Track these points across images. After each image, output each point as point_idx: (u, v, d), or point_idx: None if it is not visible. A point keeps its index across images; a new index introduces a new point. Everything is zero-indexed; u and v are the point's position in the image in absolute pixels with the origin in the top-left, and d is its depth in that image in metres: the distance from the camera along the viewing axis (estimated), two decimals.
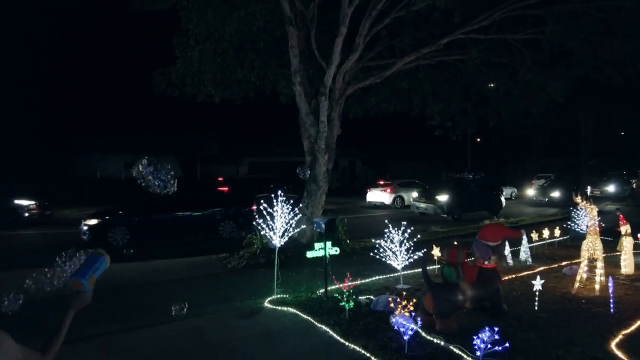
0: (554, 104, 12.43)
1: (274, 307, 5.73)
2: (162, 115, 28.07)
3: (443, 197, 16.50)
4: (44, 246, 10.14)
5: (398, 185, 21.10)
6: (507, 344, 3.62)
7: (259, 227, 6.27)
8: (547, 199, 21.67)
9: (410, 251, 6.61)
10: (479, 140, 38.13)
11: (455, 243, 6.22)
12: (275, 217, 6.07)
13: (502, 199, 18.42)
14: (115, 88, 30.32)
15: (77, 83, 29.21)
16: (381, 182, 21.84)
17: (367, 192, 21.73)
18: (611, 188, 24.98)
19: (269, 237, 6.20)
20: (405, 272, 6.95)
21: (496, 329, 3.63)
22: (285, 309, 5.63)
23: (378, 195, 21.03)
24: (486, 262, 5.15)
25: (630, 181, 27.27)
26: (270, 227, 6.13)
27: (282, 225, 6.12)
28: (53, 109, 27.59)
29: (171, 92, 11.43)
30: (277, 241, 6.18)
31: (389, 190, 20.76)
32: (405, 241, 6.67)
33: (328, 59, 8.83)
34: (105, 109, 29.33)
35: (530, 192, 24.26)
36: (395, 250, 6.64)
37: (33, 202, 14.01)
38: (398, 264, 6.61)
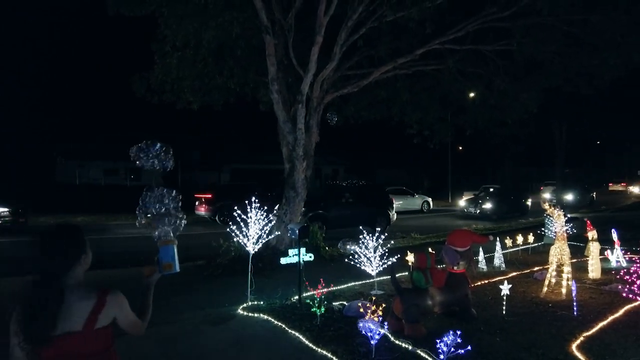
0: (528, 114, 12.79)
1: (247, 314, 5.72)
2: (142, 122, 27.81)
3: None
4: (13, 255, 9.90)
5: (391, 192, 21.55)
6: (469, 347, 3.71)
7: (233, 234, 6.27)
8: (478, 212, 19.94)
9: (385, 257, 6.71)
10: (460, 148, 38.83)
11: (431, 250, 6.33)
12: (250, 224, 6.09)
13: (391, 212, 15.75)
14: (94, 94, 29.95)
15: (56, 88, 28.74)
16: None
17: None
18: (570, 197, 25.34)
19: (242, 243, 6.20)
20: (380, 278, 7.03)
21: (459, 332, 3.71)
22: (257, 315, 5.62)
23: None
24: (455, 268, 5.26)
25: (591, 191, 27.46)
26: (244, 233, 6.14)
27: (256, 232, 6.14)
28: (31, 114, 27.09)
29: (150, 97, 11.38)
30: (251, 247, 6.19)
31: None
32: (379, 247, 6.78)
33: (306, 67, 8.93)
34: (84, 114, 28.90)
35: (461, 203, 22.09)
36: (370, 257, 6.73)
37: (6, 210, 13.70)
38: (372, 270, 6.69)
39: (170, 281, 7.65)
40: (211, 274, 8.23)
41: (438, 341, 3.71)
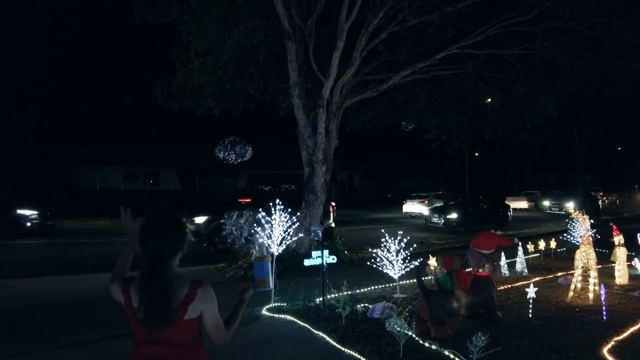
0: (548, 118, 12.67)
1: (271, 314, 5.78)
2: (160, 127, 28.26)
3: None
4: (46, 256, 10.18)
5: (433, 197, 23.35)
6: (499, 348, 3.70)
7: (257, 236, 6.35)
8: (442, 222, 17.84)
9: (407, 261, 6.71)
10: (476, 154, 38.49)
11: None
12: (274, 226, 6.17)
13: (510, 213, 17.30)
14: (114, 100, 30.56)
15: (77, 94, 29.42)
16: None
17: (404, 203, 24.12)
18: (571, 204, 23.69)
19: (266, 245, 6.28)
20: (402, 282, 7.03)
21: (488, 333, 3.71)
22: (282, 316, 5.68)
23: (416, 207, 23.23)
24: (480, 270, 5.24)
25: (597, 198, 25.23)
26: (268, 235, 6.22)
27: (280, 234, 6.21)
28: (51, 120, 27.73)
29: (171, 104, 11.62)
30: (275, 249, 6.26)
31: (426, 202, 22.76)
32: (401, 251, 6.78)
33: (326, 72, 9.04)
34: (104, 120, 29.50)
35: (425, 211, 20.22)
36: (392, 260, 6.73)
37: (35, 212, 14.07)
38: (395, 274, 6.69)
39: None
40: (233, 276, 8.33)
41: (468, 342, 3.71)
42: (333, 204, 17.69)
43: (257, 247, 7.36)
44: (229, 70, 10.38)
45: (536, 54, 10.06)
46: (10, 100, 25.73)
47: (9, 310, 6.07)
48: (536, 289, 5.37)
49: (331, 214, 14.79)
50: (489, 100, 13.64)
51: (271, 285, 2.20)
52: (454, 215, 17.45)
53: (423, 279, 5.10)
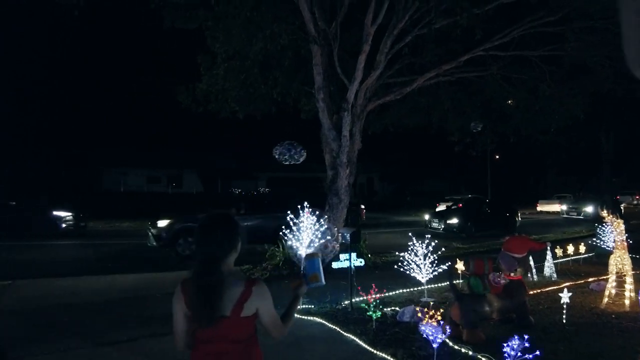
0: (574, 120, 12.42)
1: (300, 316, 5.81)
2: (182, 130, 28.78)
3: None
4: (80, 256, 10.46)
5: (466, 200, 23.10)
6: (537, 352, 3.64)
7: (285, 238, 6.41)
8: (442, 227, 16.54)
9: (434, 264, 6.67)
10: (497, 157, 37.89)
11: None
12: (302, 229, 6.21)
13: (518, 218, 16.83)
14: (138, 104, 31.28)
15: (103, 99, 30.24)
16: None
17: (437, 206, 23.70)
18: (589, 209, 23.04)
19: (295, 247, 6.33)
20: (430, 286, 6.98)
21: (526, 337, 3.66)
22: (311, 318, 5.71)
23: None
24: (512, 274, 5.18)
25: (619, 202, 24.28)
26: (297, 238, 6.27)
27: (308, 237, 6.25)
28: (81, 123, 28.55)
29: (195, 108, 11.81)
30: (303, 252, 6.30)
31: (460, 205, 22.32)
32: (429, 254, 6.74)
33: (349, 75, 9.07)
34: (127, 124, 30.21)
35: (425, 215, 18.83)
36: (420, 264, 6.70)
37: (70, 214, 14.50)
38: (422, 277, 6.66)
39: None
40: (258, 277, 8.41)
41: (505, 345, 3.66)
42: (362, 206, 17.65)
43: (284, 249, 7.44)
44: (252, 74, 10.51)
45: (564, 54, 9.88)
46: (43, 105, 26.64)
47: (48, 308, 6.28)
48: (570, 294, 5.27)
49: (359, 217, 14.77)
50: (514, 102, 13.47)
51: (323, 280, 2.26)
52: (454, 220, 16.25)
53: (446, 283, 5.07)
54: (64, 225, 14.16)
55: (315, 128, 10.25)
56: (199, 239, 1.91)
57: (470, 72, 11.11)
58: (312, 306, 6.22)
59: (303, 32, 9.25)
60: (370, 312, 5.17)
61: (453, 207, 17.77)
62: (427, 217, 18.05)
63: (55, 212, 14.33)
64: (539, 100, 11.78)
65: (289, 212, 11.81)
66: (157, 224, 11.01)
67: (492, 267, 5.17)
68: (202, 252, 1.88)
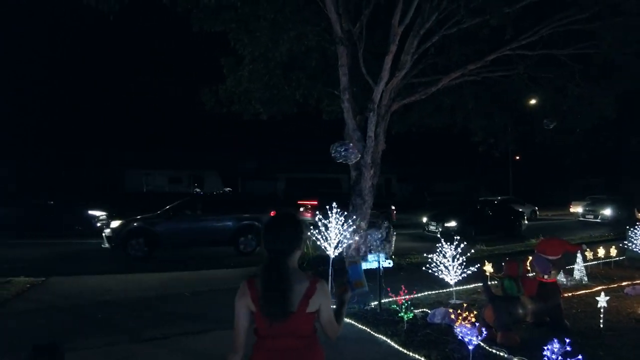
0: (603, 120, 12.13)
1: None
2: (203, 131, 29.16)
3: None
4: (113, 255, 10.65)
5: (501, 201, 22.93)
6: (579, 357, 3.57)
7: (314, 238, 6.43)
8: (439, 231, 15.20)
9: (463, 266, 6.60)
10: (517, 157, 37.21)
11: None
12: (330, 229, 6.23)
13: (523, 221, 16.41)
14: (159, 106, 31.82)
15: (124, 101, 30.87)
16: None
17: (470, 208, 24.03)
18: (607, 212, 21.79)
19: (323, 247, 6.34)
20: (458, 288, 6.91)
21: (568, 340, 3.59)
22: None
23: None
24: (546, 277, 5.09)
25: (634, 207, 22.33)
26: (325, 238, 6.29)
27: (335, 237, 6.26)
28: (102, 126, 29.22)
29: (219, 109, 11.95)
30: (331, 252, 6.31)
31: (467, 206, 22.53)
32: (457, 256, 6.67)
33: (374, 76, 9.05)
34: (150, 126, 30.76)
35: (424, 219, 17.11)
36: (448, 265, 6.64)
37: (104, 213, 14.82)
38: (451, 279, 6.60)
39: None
40: (319, 276, 8.45)
41: (545, 349, 3.60)
42: (393, 207, 17.45)
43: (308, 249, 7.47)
44: (276, 75, 10.58)
45: (595, 53, 9.65)
46: (71, 107, 27.37)
47: (82, 305, 6.45)
48: (607, 298, 5.14)
49: (391, 217, 14.41)
50: (540, 101, 13.23)
51: (366, 287, 2.28)
52: (452, 223, 15.12)
53: (473, 285, 5.01)
54: (98, 224, 14.38)
55: (337, 129, 10.25)
56: (267, 237, 1.98)
57: (495, 72, 10.95)
58: None
59: (328, 34, 9.28)
60: (402, 314, 5.14)
61: (452, 209, 16.52)
62: (424, 219, 16.74)
63: (90, 212, 14.70)
64: (567, 99, 11.55)
65: (248, 213, 11.59)
66: (110, 225, 10.82)
67: (526, 269, 5.10)
68: (270, 249, 1.95)
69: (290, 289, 1.85)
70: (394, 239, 10.51)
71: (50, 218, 14.21)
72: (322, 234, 6.32)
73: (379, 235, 5.87)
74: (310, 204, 17.37)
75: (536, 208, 24.17)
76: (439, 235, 14.53)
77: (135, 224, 10.57)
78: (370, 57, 10.15)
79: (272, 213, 12.00)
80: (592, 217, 22.10)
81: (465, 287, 7.25)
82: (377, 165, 9.82)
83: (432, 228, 15.76)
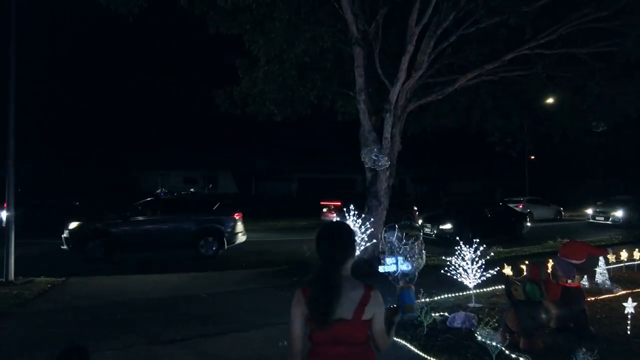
0: (625, 119, 11.85)
1: None
2: (217, 132, 29.36)
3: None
4: (134, 257, 10.74)
5: (527, 201, 23.19)
6: None
7: None
8: (434, 233, 14.65)
9: (482, 269, 6.49)
10: (532, 157, 36.61)
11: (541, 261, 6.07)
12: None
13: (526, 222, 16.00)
14: (176, 107, 32.18)
15: (138, 103, 31.28)
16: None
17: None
18: (619, 213, 20.24)
19: None
20: (477, 291, 6.81)
21: (595, 350, 3.49)
22: None
23: None
24: (569, 281, 4.97)
25: None
26: None
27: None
28: (116, 127, 29.65)
29: (233, 110, 12.01)
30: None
31: (520, 206, 22.26)
32: (476, 259, 6.57)
33: (390, 77, 8.99)
34: (164, 127, 31.12)
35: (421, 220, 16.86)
36: (467, 268, 6.55)
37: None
38: (470, 282, 6.50)
39: (264, 285, 8.02)
40: (300, 279, 8.44)
41: (573, 357, 3.51)
42: (415, 207, 17.25)
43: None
44: (290, 77, 10.58)
45: (617, 51, 9.42)
46: (77, 109, 27.84)
47: (101, 305, 6.53)
48: (635, 304, 4.99)
49: (413, 218, 14.11)
50: (559, 100, 13.00)
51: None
52: (447, 226, 14.34)
53: (492, 288, 4.91)
54: None
55: (351, 130, 10.21)
56: (321, 246, 1.99)
57: (513, 71, 10.78)
58: None
59: (343, 35, 9.24)
60: (421, 317, 5.07)
61: (448, 211, 15.82)
62: (420, 221, 15.99)
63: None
64: (587, 99, 11.31)
65: (211, 215, 11.06)
66: (68, 226, 10.61)
67: (548, 273, 4.99)
68: (324, 257, 1.96)
69: (339, 296, 1.86)
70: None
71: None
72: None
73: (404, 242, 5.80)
74: (334, 205, 17.42)
75: (561, 209, 23.97)
76: (434, 238, 14.26)
77: (92, 226, 10.54)
78: (385, 57, 10.11)
79: (238, 215, 11.74)
80: (602, 218, 20.68)
81: (483, 290, 7.15)
82: (393, 167, 9.75)
83: (427, 230, 14.73)
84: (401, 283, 2.51)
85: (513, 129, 13.72)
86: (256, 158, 33.45)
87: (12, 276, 7.78)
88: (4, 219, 7.52)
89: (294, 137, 29.88)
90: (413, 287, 2.43)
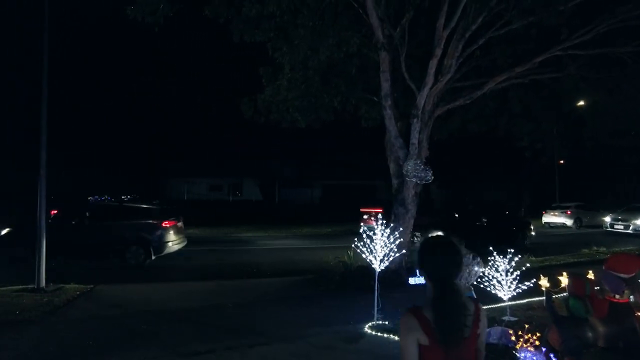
0: None
1: (376, 333, 5.61)
2: (242, 139, 29.66)
3: None
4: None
5: (575, 207, 23.37)
6: None
7: (358, 250, 6.23)
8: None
9: (517, 281, 6.19)
10: (561, 162, 35.41)
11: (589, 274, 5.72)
12: (376, 241, 6.00)
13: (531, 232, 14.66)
14: (198, 115, 32.69)
15: (163, 110, 31.94)
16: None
17: (543, 214, 24.25)
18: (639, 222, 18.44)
19: (369, 260, 6.13)
20: (511, 303, 6.49)
21: None
22: (388, 336, 5.48)
23: (557, 217, 23.44)
24: (617, 296, 4.64)
25: None
26: (370, 250, 6.07)
27: (382, 250, 6.03)
28: (144, 136, 30.32)
29: (257, 118, 12.02)
30: (377, 265, 6.08)
31: (569, 212, 22.87)
32: (511, 270, 6.27)
33: (416, 81, 8.79)
34: (191, 135, 31.66)
35: (568, 222, 18.16)
36: (501, 280, 6.25)
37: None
38: (504, 294, 6.20)
39: (290, 294, 7.90)
40: (325, 289, 8.29)
41: None
42: (456, 215, 16.79)
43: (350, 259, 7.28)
44: (314, 83, 10.50)
45: None
46: (107, 120, 28.64)
47: (126, 314, 6.52)
48: None
49: (529, 235, 13.68)
50: (591, 103, 12.51)
51: None
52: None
53: (527, 300, 4.62)
54: None
55: (373, 136, 10.01)
56: (434, 263, 1.92)
57: (544, 74, 10.39)
58: (387, 322, 5.96)
59: (368, 40, 9.11)
60: None
61: (437, 220, 14.47)
62: (569, 223, 17.87)
63: None
64: (621, 101, 10.82)
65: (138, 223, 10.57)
66: (0, 232, 10.61)
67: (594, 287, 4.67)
68: (438, 274, 1.89)
69: (465, 314, 1.82)
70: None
71: None
72: (367, 245, 6.10)
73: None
74: (375, 211, 17.09)
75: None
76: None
77: (11, 232, 10.51)
78: (411, 61, 9.91)
79: (168, 223, 11.25)
80: (622, 227, 18.93)
81: (518, 302, 6.82)
82: None
83: (416, 240, 13.87)
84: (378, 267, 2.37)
85: (543, 134, 13.27)
86: (280, 165, 33.58)
87: (43, 283, 7.90)
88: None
89: (317, 145, 29.91)
90: (471, 288, 2.32)
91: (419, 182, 3.67)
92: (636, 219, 18.73)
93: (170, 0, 7.11)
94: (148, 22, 6.98)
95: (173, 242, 11.31)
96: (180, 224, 11.95)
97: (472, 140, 16.95)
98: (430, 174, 5.60)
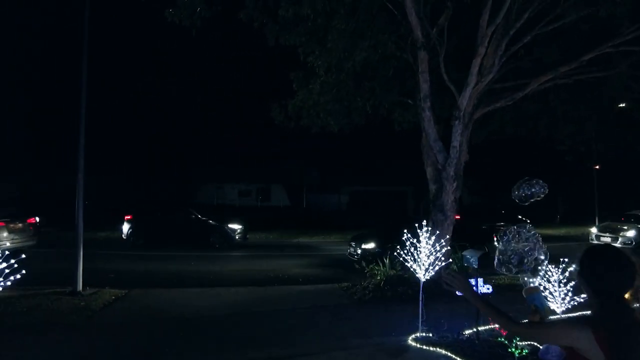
0: None
1: (420, 346, 5.30)
2: (271, 145, 29.77)
3: None
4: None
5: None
6: None
7: (402, 260, 5.96)
8: (357, 254, 12.36)
9: (572, 293, 5.76)
10: (597, 167, 33.74)
11: None
12: (420, 249, 5.71)
13: None
14: (229, 121, 33.08)
15: (194, 116, 32.44)
16: None
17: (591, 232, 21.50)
18: (631, 233, 16.58)
19: (412, 270, 5.84)
20: (564, 316, 6.05)
21: None
22: (433, 349, 5.17)
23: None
24: None
25: None
26: (415, 259, 5.78)
27: (426, 259, 5.73)
28: (177, 143, 30.85)
29: (287, 123, 11.88)
30: (422, 275, 5.79)
31: (622, 219, 20.08)
32: (564, 280, 5.85)
33: (454, 82, 8.46)
34: (222, 141, 32.05)
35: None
36: (553, 291, 5.83)
37: (240, 227, 15.57)
38: (558, 307, 5.77)
39: (325, 303, 7.67)
40: (361, 298, 8.02)
41: None
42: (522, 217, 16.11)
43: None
44: (346, 86, 10.29)
45: None
46: (141, 128, 29.32)
47: (165, 320, 6.45)
48: None
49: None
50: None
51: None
52: (370, 245, 12.20)
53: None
54: (237, 237, 15.27)
55: (403, 141, 9.68)
56: (607, 275, 1.73)
57: (590, 73, 9.82)
58: (431, 334, 5.66)
59: (403, 41, 8.84)
60: (512, 349, 4.49)
61: (381, 228, 13.39)
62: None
63: (230, 225, 15.45)
64: None
65: None
66: None
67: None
68: (612, 288, 1.72)
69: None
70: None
71: (195, 232, 15.29)
72: (411, 253, 5.82)
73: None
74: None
75: None
76: (356, 258, 11.96)
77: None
78: (449, 62, 9.57)
79: (31, 219, 11.14)
80: (609, 239, 16.48)
81: (570, 315, 6.37)
82: (460, 178, 9.11)
83: (351, 250, 12.90)
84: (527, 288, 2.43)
85: (586, 137, 12.61)
86: (308, 171, 33.53)
87: (80, 287, 7.95)
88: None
89: (345, 150, 29.67)
90: (540, 288, 2.12)
91: (531, 200, 3.25)
92: (627, 230, 16.91)
93: (207, 3, 7.08)
94: (185, 26, 6.96)
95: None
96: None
97: (507, 143, 16.24)
98: (543, 190, 4.53)
